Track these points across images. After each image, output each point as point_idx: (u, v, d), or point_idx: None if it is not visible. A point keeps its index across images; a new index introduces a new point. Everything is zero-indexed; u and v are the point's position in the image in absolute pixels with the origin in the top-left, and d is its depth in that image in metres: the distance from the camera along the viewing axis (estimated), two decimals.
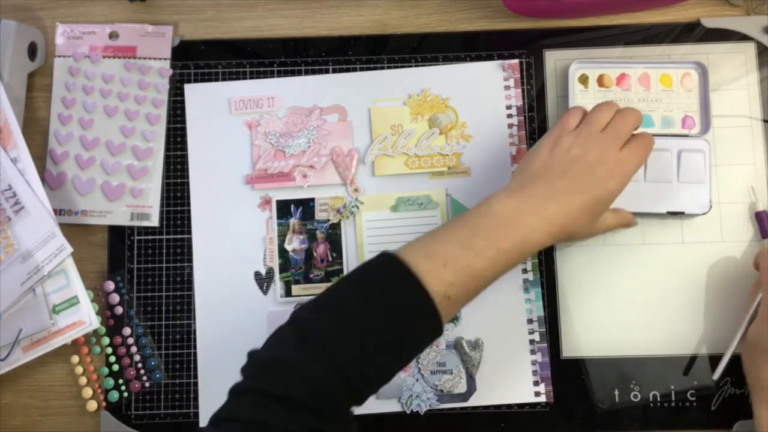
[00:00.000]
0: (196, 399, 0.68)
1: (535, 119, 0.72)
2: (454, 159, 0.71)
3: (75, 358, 0.69)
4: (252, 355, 0.51)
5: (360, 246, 0.70)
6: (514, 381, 0.68)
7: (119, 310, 0.70)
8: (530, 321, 0.68)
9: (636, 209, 0.67)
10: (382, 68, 0.73)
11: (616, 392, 0.68)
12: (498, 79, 0.72)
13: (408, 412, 0.67)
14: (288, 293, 0.69)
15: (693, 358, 0.67)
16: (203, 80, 0.73)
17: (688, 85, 0.71)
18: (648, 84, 0.71)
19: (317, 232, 0.70)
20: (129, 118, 0.72)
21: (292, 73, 0.73)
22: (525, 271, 0.69)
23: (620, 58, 0.72)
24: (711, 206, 0.67)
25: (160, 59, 0.73)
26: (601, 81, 0.71)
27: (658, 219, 0.69)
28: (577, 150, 0.58)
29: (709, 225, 0.69)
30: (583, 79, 0.71)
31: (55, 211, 0.68)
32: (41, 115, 0.73)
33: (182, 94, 0.73)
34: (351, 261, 0.70)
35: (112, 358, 0.69)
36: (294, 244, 0.70)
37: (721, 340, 0.67)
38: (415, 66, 0.73)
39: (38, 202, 0.65)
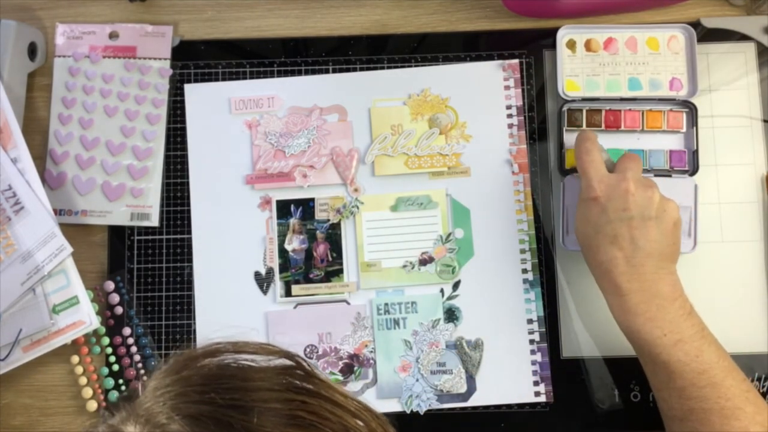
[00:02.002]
0: None
1: (535, 119, 0.72)
2: (454, 159, 0.71)
3: (75, 358, 0.69)
4: None
5: (360, 246, 0.70)
6: (514, 381, 0.68)
7: (119, 310, 0.70)
8: (530, 321, 0.68)
9: None
10: (382, 68, 0.73)
11: (616, 392, 0.68)
12: (498, 79, 0.72)
13: (408, 412, 0.67)
14: (288, 293, 0.69)
15: None
16: (203, 80, 0.73)
17: (675, 47, 0.71)
18: (635, 47, 0.71)
19: (317, 232, 0.70)
20: (129, 118, 0.72)
21: (292, 73, 0.73)
22: (525, 271, 0.69)
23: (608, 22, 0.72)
24: (696, 245, 0.67)
25: (160, 59, 0.73)
26: (588, 45, 0.72)
27: None
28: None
29: (710, 225, 0.69)
30: (571, 44, 0.71)
31: (55, 211, 0.68)
32: (41, 115, 0.73)
33: (182, 94, 0.73)
34: (351, 261, 0.70)
35: (112, 358, 0.69)
36: (294, 244, 0.70)
37: (720, 340, 0.67)
38: (415, 66, 0.73)
39: (38, 202, 0.65)
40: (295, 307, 0.69)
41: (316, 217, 0.70)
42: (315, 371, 0.45)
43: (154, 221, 0.71)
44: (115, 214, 0.71)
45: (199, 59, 0.73)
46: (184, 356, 0.44)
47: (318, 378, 0.44)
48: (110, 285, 0.70)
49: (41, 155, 0.72)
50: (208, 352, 0.45)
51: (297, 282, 0.70)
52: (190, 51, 0.74)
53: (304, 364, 0.44)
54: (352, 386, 0.68)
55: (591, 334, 0.69)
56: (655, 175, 0.69)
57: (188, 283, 0.70)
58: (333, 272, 0.70)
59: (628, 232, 0.58)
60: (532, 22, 0.73)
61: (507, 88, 0.72)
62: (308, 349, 0.68)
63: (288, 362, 0.45)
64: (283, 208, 0.71)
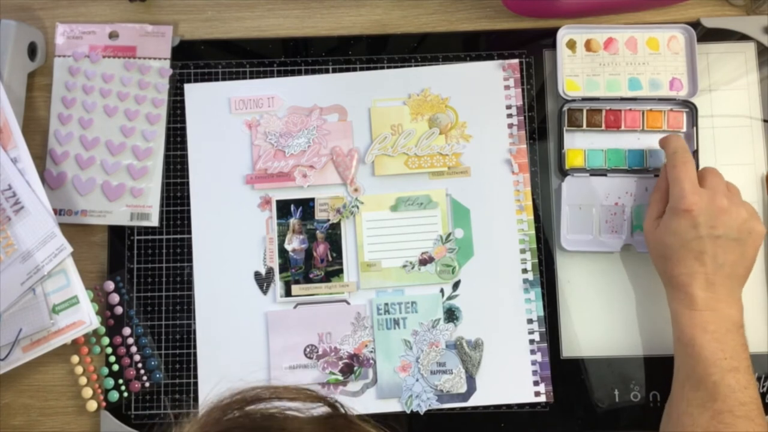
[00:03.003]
0: (196, 399, 0.68)
1: (535, 119, 0.72)
2: (454, 159, 0.71)
3: (75, 358, 0.69)
4: None
5: (360, 246, 0.70)
6: (514, 381, 0.68)
7: (119, 310, 0.70)
8: (530, 321, 0.68)
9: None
10: (382, 68, 0.73)
11: (616, 392, 0.68)
12: (498, 79, 0.72)
13: (408, 412, 0.67)
14: (288, 293, 0.69)
15: None
16: (203, 80, 0.73)
17: (675, 47, 0.71)
18: (635, 47, 0.71)
19: (317, 232, 0.70)
20: (129, 118, 0.72)
21: (292, 73, 0.73)
22: (525, 271, 0.69)
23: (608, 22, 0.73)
24: None
25: (160, 59, 0.73)
26: (588, 45, 0.72)
27: None
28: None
29: None
30: (571, 44, 0.72)
31: (55, 211, 0.68)
32: (41, 115, 0.73)
33: (182, 94, 0.73)
34: (351, 261, 0.70)
35: (112, 358, 0.69)
36: (294, 244, 0.70)
37: None
38: (415, 66, 0.73)
39: (38, 202, 0.65)
40: (295, 307, 0.69)
41: (316, 217, 0.70)
42: (352, 415, 0.44)
43: (154, 221, 0.71)
44: (115, 214, 0.71)
45: (199, 59, 0.73)
46: (221, 404, 0.42)
47: (357, 423, 0.44)
48: (110, 285, 0.70)
49: (41, 155, 0.72)
50: (248, 398, 0.43)
51: (297, 282, 0.70)
52: (190, 51, 0.74)
53: (343, 409, 0.44)
54: (352, 386, 0.68)
55: (591, 334, 0.69)
56: (655, 176, 0.69)
57: (188, 283, 0.70)
58: (333, 272, 0.70)
59: (713, 249, 0.59)
60: (532, 22, 0.74)
61: (507, 87, 0.72)
62: (308, 349, 0.68)
63: (327, 409, 0.44)
64: (283, 208, 0.71)
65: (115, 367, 0.69)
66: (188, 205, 0.71)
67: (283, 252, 0.70)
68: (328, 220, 0.70)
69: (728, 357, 0.58)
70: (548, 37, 0.72)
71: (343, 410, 0.44)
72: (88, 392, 0.69)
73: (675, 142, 0.63)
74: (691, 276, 0.60)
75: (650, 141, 0.70)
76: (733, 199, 0.61)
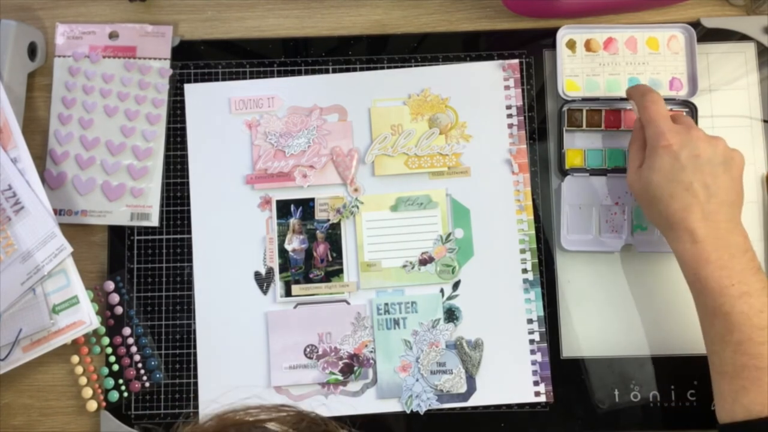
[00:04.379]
0: (196, 399, 0.68)
1: (535, 119, 0.72)
2: (454, 159, 0.71)
3: (75, 358, 0.69)
4: None
5: (360, 246, 0.70)
6: (514, 381, 0.68)
7: (119, 310, 0.70)
8: (530, 321, 0.68)
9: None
10: (382, 68, 0.73)
11: (616, 392, 0.68)
12: (498, 79, 0.72)
13: (408, 412, 0.67)
14: (288, 293, 0.69)
15: (693, 358, 0.67)
16: (203, 80, 0.73)
17: (675, 47, 0.71)
18: (635, 47, 0.71)
19: (317, 232, 0.70)
20: (129, 118, 0.72)
21: (292, 73, 0.73)
22: (525, 271, 0.69)
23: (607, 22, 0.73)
24: None
25: (160, 59, 0.73)
26: (588, 45, 0.72)
27: None
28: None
29: None
30: (571, 44, 0.72)
31: (55, 211, 0.68)
32: (41, 115, 0.73)
33: (182, 94, 0.73)
34: (351, 261, 0.70)
35: (112, 358, 0.69)
36: (294, 244, 0.70)
37: None
38: (415, 66, 0.73)
39: (38, 202, 0.65)
40: (295, 307, 0.69)
41: (316, 217, 0.70)
42: (333, 427, 0.44)
43: (154, 221, 0.71)
44: (115, 214, 0.71)
45: (199, 59, 0.73)
46: None
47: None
48: (110, 285, 0.70)
49: (41, 155, 0.72)
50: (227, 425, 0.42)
51: (297, 282, 0.70)
52: (190, 51, 0.74)
53: (324, 425, 0.43)
54: (352, 386, 0.68)
55: (591, 334, 0.69)
56: None
57: (188, 283, 0.70)
58: (333, 272, 0.70)
59: (702, 178, 0.58)
60: (532, 22, 0.74)
61: (507, 88, 0.72)
62: (308, 349, 0.68)
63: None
64: (283, 208, 0.71)
65: (115, 367, 0.69)
66: (188, 205, 0.71)
67: (283, 252, 0.70)
68: (328, 220, 0.70)
69: (735, 283, 0.56)
70: (548, 37, 0.72)
71: (323, 426, 0.43)
72: (88, 392, 0.69)
73: (642, 87, 0.64)
74: (686, 210, 0.58)
75: None
76: (706, 132, 0.61)
